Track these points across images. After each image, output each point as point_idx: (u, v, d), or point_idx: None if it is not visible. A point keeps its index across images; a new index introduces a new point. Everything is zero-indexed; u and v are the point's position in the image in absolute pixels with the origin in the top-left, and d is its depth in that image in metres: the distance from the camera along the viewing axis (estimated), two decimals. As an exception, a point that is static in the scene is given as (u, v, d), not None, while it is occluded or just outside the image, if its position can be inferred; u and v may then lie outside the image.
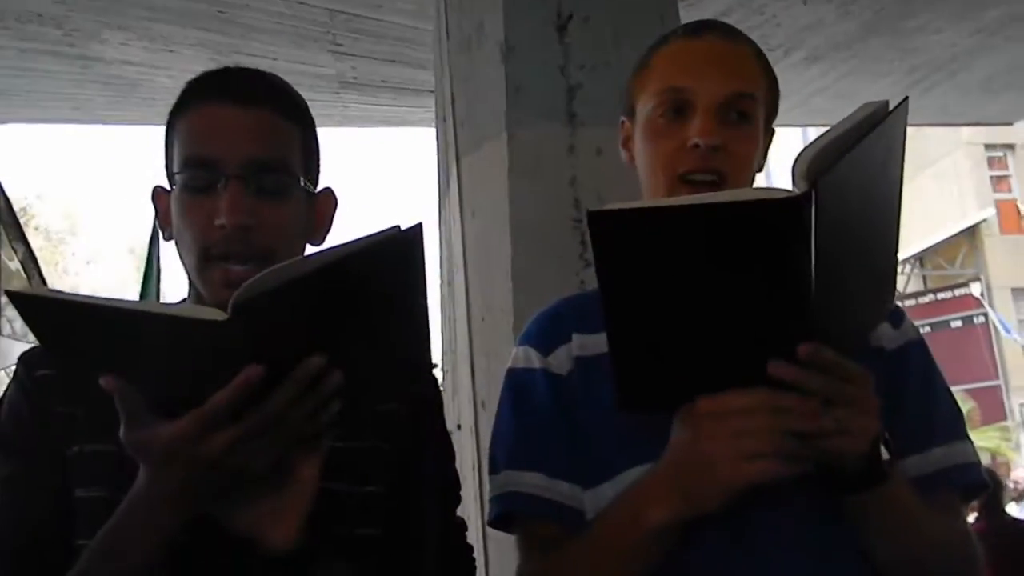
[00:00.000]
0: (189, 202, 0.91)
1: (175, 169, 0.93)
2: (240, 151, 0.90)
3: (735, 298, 0.77)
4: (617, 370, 0.83)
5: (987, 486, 1.06)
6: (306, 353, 0.73)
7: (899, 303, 1.13)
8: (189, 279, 0.96)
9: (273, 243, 0.91)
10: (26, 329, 4.94)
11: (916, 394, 1.03)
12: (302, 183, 0.96)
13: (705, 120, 0.99)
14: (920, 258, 11.02)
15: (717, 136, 0.98)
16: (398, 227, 0.76)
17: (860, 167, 0.79)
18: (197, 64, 3.79)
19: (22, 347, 4.89)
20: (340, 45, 3.22)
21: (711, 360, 0.81)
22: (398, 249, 0.76)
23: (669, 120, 1.02)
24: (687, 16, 2.00)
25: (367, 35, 3.16)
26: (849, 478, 0.86)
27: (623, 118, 1.11)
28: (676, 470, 0.87)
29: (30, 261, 4.76)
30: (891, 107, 0.82)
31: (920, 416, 1.01)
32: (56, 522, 0.87)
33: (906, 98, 0.84)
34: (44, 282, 4.87)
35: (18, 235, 4.76)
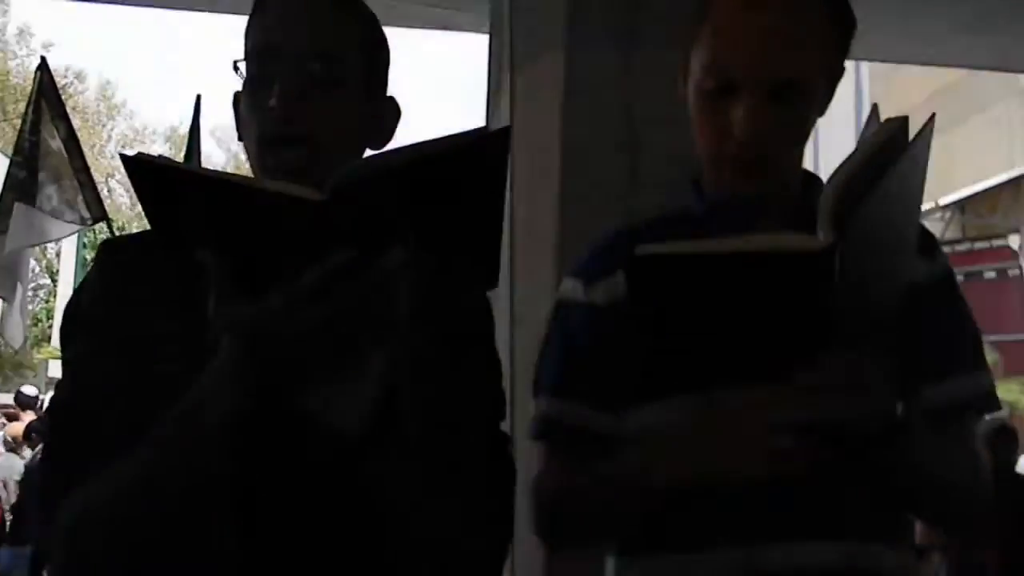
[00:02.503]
0: (250, 94, 0.97)
1: (245, 58, 0.98)
2: (293, 40, 0.95)
3: (764, 320, 0.84)
4: (656, 364, 0.93)
5: (1000, 408, 1.16)
6: (389, 245, 0.76)
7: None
8: (253, 169, 1.00)
9: (322, 128, 0.95)
10: (62, 204, 5.01)
11: (941, 326, 1.07)
12: (359, 81, 0.99)
13: (747, 107, 0.98)
14: (962, 205, 10.78)
15: (760, 124, 0.98)
16: (486, 128, 0.78)
17: (884, 201, 0.83)
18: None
19: (62, 226, 4.98)
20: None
21: (737, 360, 0.88)
22: (485, 151, 0.79)
23: (715, 96, 1.01)
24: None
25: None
26: (869, 442, 0.90)
27: (683, 58, 1.10)
28: (698, 448, 0.94)
29: (71, 140, 4.79)
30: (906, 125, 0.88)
31: (944, 345, 1.07)
32: (133, 395, 0.90)
33: (932, 118, 0.89)
34: (85, 165, 4.90)
35: (60, 113, 4.78)
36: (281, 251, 0.77)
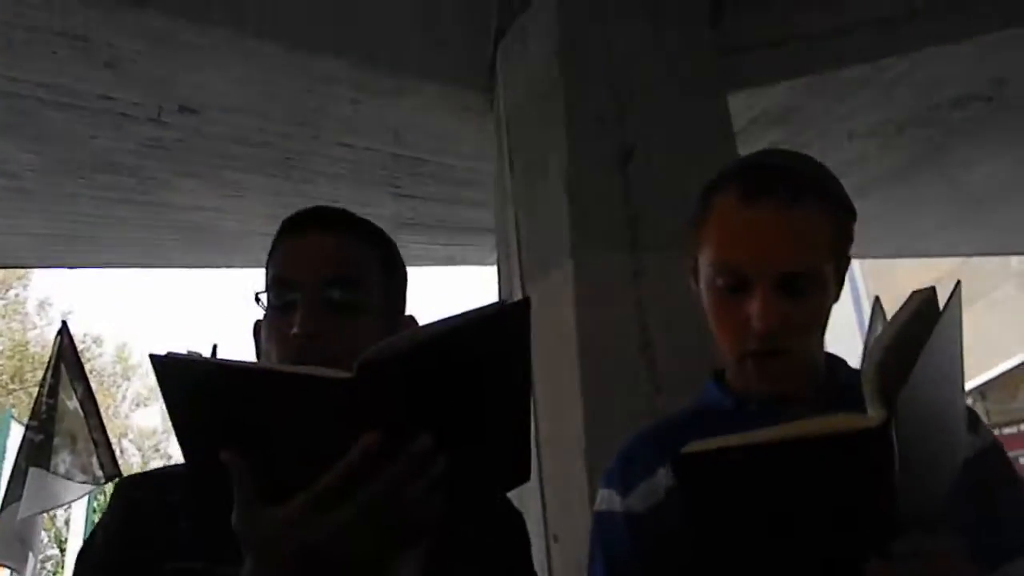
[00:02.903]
0: (273, 320, 0.99)
1: (266, 290, 1.01)
2: (317, 270, 0.98)
3: (824, 509, 0.81)
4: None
5: None
6: (416, 431, 0.74)
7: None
8: None
9: (344, 355, 0.94)
10: (76, 467, 4.99)
11: (1003, 500, 1.02)
12: (379, 303, 1.01)
13: (761, 301, 0.99)
14: (982, 392, 10.68)
15: (773, 317, 0.99)
16: (504, 301, 0.79)
17: (928, 372, 0.82)
18: (262, 207, 3.97)
19: (75, 488, 4.91)
20: (400, 187, 3.34)
21: (804, 562, 0.83)
22: (508, 322, 0.78)
23: (729, 293, 1.03)
24: (743, 149, 2.06)
25: (427, 177, 3.28)
26: None
27: (691, 259, 1.12)
28: None
29: (89, 400, 4.85)
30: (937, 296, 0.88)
31: (1013, 519, 1.01)
32: None
33: (958, 283, 0.89)
34: (101, 423, 4.93)
35: (78, 374, 4.87)
36: (308, 438, 0.75)
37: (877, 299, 5.37)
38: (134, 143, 3.11)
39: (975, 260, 7.63)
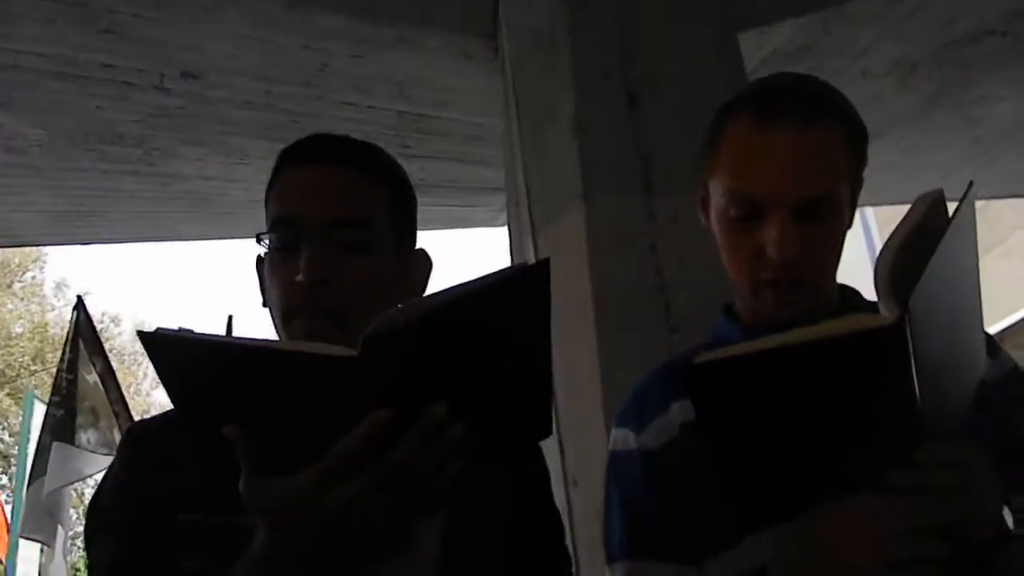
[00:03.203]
0: (275, 261, 0.94)
1: (267, 228, 0.97)
2: (321, 209, 0.92)
3: (842, 417, 0.78)
4: (731, 502, 0.83)
5: None
6: (430, 400, 0.71)
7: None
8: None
9: (353, 298, 0.91)
10: (100, 441, 5.04)
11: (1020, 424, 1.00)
12: (388, 241, 0.96)
13: (778, 229, 0.96)
14: (1000, 338, 10.56)
15: (792, 245, 0.96)
16: (525, 263, 0.76)
17: (942, 272, 0.80)
18: (267, 174, 3.93)
19: (99, 460, 4.97)
20: (408, 147, 3.31)
21: (821, 472, 0.81)
22: (526, 286, 0.74)
23: (741, 222, 0.99)
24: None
25: (434, 135, 3.25)
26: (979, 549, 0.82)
27: (700, 189, 1.09)
28: (809, 571, 0.85)
29: (108, 375, 4.89)
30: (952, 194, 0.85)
31: None
32: None
33: (971, 184, 0.86)
34: (122, 397, 4.98)
35: (96, 349, 4.91)
36: (314, 416, 0.71)
37: (894, 246, 5.30)
38: (138, 112, 3.10)
39: (992, 206, 7.54)
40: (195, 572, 0.85)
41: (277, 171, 0.99)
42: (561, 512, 1.83)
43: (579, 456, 1.75)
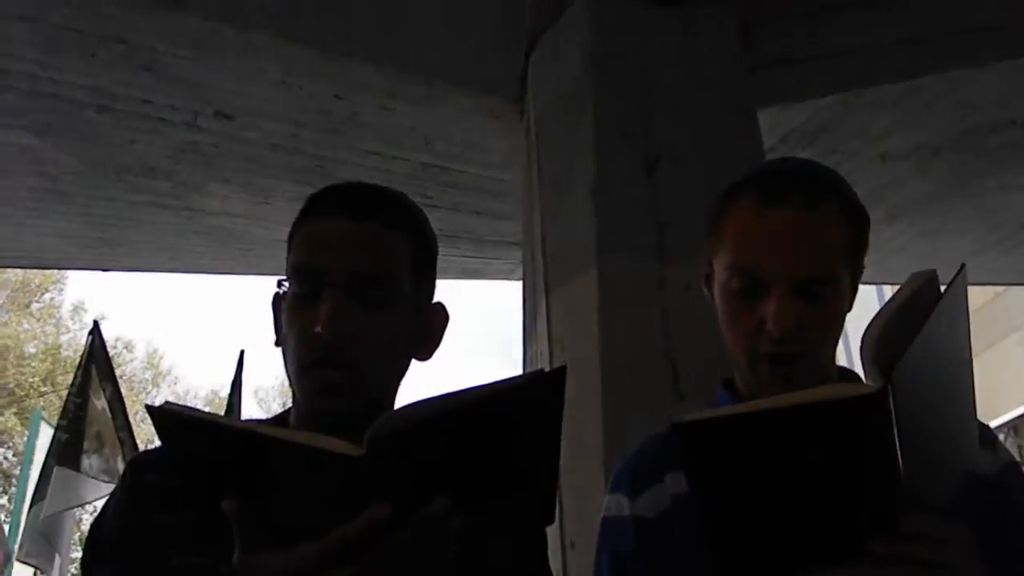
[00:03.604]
0: (295, 309, 0.93)
1: (287, 273, 0.96)
2: (345, 262, 0.91)
3: (825, 484, 0.78)
4: (718, 557, 0.83)
5: None
6: (432, 492, 0.72)
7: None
8: (290, 383, 0.97)
9: (371, 354, 0.91)
10: (102, 467, 5.02)
11: (1020, 520, 1.00)
12: (408, 296, 0.96)
13: (777, 303, 0.98)
14: (1014, 427, 10.47)
15: (790, 320, 0.97)
16: (542, 370, 0.77)
17: (929, 347, 0.81)
18: (290, 215, 3.98)
19: (100, 487, 4.95)
20: (429, 197, 3.36)
21: (808, 539, 0.81)
22: (539, 394, 0.76)
23: (743, 296, 1.02)
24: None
25: (455, 187, 3.30)
26: None
27: (705, 266, 1.12)
28: None
29: (117, 401, 4.90)
30: (942, 277, 0.88)
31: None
32: None
33: (963, 266, 0.88)
34: (128, 424, 4.98)
35: (108, 374, 4.92)
36: (314, 502, 0.73)
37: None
38: (170, 147, 3.16)
39: (1009, 293, 7.51)
40: None
41: (303, 217, 0.99)
42: (557, 573, 1.83)
43: (579, 519, 1.74)
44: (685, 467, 0.81)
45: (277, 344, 1.00)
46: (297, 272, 0.95)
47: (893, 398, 0.73)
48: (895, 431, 0.74)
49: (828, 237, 1.00)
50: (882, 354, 0.77)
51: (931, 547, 0.78)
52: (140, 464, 0.97)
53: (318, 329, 0.88)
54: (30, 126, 2.96)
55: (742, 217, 1.03)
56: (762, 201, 1.01)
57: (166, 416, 0.73)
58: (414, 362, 1.02)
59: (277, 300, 1.01)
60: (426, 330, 1.02)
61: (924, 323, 0.79)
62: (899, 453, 0.75)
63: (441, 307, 1.04)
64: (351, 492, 0.70)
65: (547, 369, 0.77)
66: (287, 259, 0.99)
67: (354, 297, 0.91)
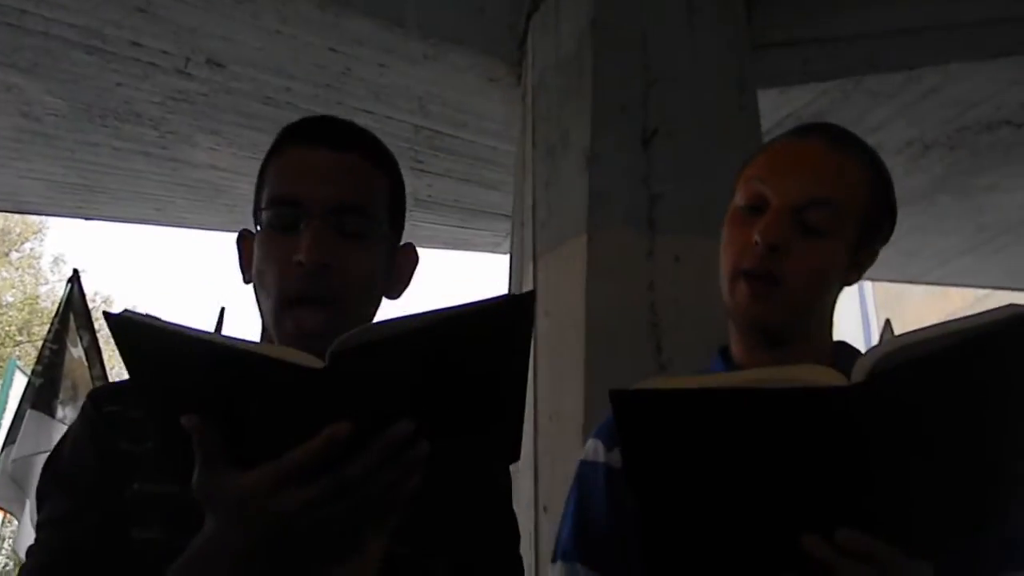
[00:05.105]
0: (272, 240, 0.91)
1: (262, 206, 0.94)
2: (325, 192, 0.90)
3: (773, 482, 0.71)
4: (646, 543, 0.76)
5: None
6: (396, 417, 0.70)
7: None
8: (263, 326, 0.94)
9: (349, 286, 0.90)
10: (74, 415, 4.94)
11: None
12: (385, 232, 0.96)
13: (771, 219, 0.97)
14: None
15: (776, 236, 0.96)
16: (510, 294, 0.75)
17: (941, 374, 0.69)
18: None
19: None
20: (421, 162, 3.33)
21: (747, 538, 0.74)
22: (507, 317, 0.72)
23: (746, 215, 1.01)
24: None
25: (447, 152, 3.27)
26: None
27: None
28: None
29: (94, 349, 4.85)
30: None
31: None
32: (107, 563, 0.84)
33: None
34: (104, 374, 4.94)
35: (86, 323, 4.87)
36: (275, 419, 0.70)
37: (888, 321, 5.32)
38: (159, 94, 3.11)
39: (990, 298, 7.57)
40: (145, 543, 0.83)
41: (277, 148, 0.97)
42: (529, 536, 1.83)
43: (553, 482, 1.74)
44: (620, 441, 0.73)
45: (246, 282, 0.97)
46: (274, 203, 0.92)
47: (869, 404, 0.66)
48: (867, 441, 0.67)
49: (842, 175, 0.99)
50: (879, 363, 0.67)
51: (856, 568, 0.71)
52: (100, 395, 0.95)
53: (297, 258, 0.87)
54: (17, 64, 2.90)
55: (768, 147, 1.06)
56: (791, 133, 1.05)
57: (125, 324, 0.70)
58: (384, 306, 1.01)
59: (242, 238, 1.00)
60: (398, 269, 1.02)
61: (957, 343, 0.68)
62: (871, 466, 0.68)
63: (411, 247, 1.04)
64: (312, 409, 0.68)
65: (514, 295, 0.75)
66: (259, 195, 0.97)
67: (333, 227, 0.90)
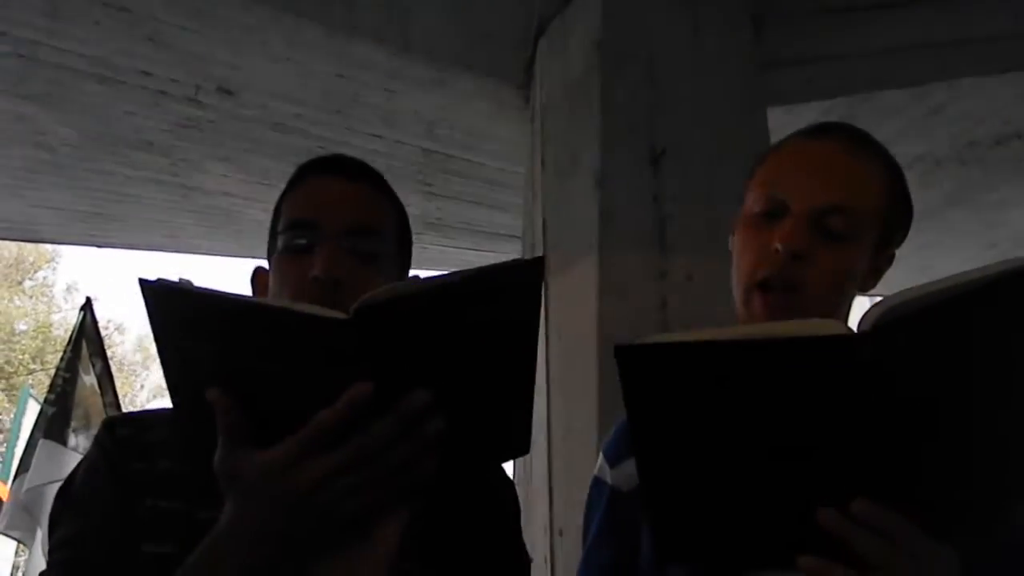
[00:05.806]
0: (288, 262, 0.96)
1: (279, 230, 0.99)
2: (341, 215, 0.96)
3: (779, 440, 0.69)
4: (654, 519, 0.75)
5: None
6: (415, 384, 0.71)
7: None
8: None
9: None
10: (88, 444, 4.96)
11: None
12: (394, 257, 1.01)
13: (791, 225, 0.93)
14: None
15: (800, 243, 0.92)
16: (521, 258, 0.77)
17: (949, 323, 0.67)
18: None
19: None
20: (430, 185, 3.34)
21: (757, 510, 0.72)
22: (519, 278, 0.75)
23: (762, 220, 0.97)
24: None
25: (457, 175, 3.28)
26: None
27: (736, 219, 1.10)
28: None
29: (106, 376, 4.86)
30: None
31: None
32: None
33: None
34: (117, 402, 4.95)
35: (98, 351, 4.89)
36: (298, 385, 0.71)
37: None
38: (169, 122, 3.14)
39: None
40: (157, 558, 0.84)
41: (295, 181, 1.03)
42: (544, 561, 1.81)
43: (567, 506, 1.73)
44: (625, 399, 0.70)
45: None
46: (292, 226, 0.97)
47: (880, 356, 0.63)
48: (871, 393, 0.64)
49: (862, 179, 0.95)
50: (887, 314, 0.64)
51: (877, 544, 0.69)
52: (114, 421, 0.98)
53: (312, 274, 0.91)
54: (29, 94, 2.93)
55: (781, 149, 1.01)
56: (805, 135, 1.00)
57: (160, 290, 0.72)
58: None
59: (256, 275, 1.05)
60: None
61: (964, 292, 0.65)
62: (878, 424, 0.65)
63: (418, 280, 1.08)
64: (334, 366, 0.69)
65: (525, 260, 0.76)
66: (275, 224, 1.02)
67: (348, 248, 0.95)
